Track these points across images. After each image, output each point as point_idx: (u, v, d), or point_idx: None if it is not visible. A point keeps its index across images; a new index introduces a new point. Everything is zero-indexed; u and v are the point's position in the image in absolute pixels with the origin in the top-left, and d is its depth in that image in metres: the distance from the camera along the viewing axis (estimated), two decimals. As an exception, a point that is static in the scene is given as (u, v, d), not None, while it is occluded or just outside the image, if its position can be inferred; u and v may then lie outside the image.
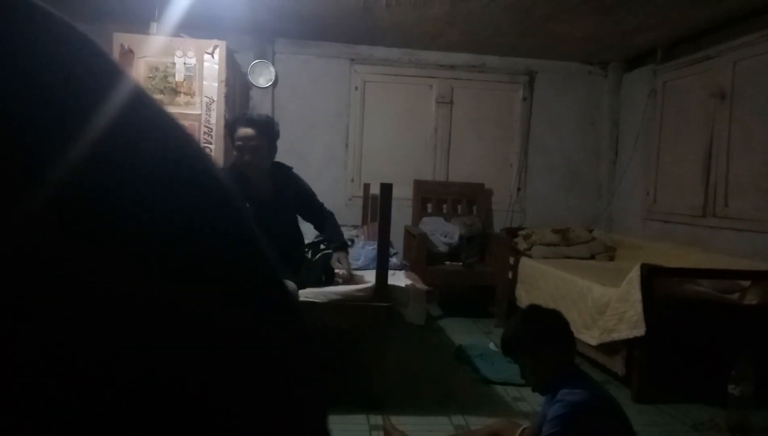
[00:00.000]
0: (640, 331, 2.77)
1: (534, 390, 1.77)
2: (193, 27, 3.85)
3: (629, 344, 2.89)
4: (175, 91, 3.58)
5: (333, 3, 3.84)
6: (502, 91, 5.26)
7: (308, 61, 4.97)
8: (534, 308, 1.86)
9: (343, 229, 4.47)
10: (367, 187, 4.72)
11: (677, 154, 4.41)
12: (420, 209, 4.99)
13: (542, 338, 1.69)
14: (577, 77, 5.31)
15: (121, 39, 3.54)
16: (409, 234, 4.62)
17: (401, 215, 4.73)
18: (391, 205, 2.61)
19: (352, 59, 5.03)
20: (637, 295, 2.82)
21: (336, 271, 2.74)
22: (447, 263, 4.51)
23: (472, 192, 5.09)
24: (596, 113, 5.35)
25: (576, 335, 3.17)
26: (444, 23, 4.22)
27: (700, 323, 2.91)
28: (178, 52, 3.57)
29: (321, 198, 2.97)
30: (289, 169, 2.84)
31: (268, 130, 2.66)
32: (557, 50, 4.91)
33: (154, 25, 3.66)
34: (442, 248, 4.49)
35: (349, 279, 2.74)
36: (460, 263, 4.46)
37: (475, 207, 5.07)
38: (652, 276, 2.85)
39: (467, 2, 3.62)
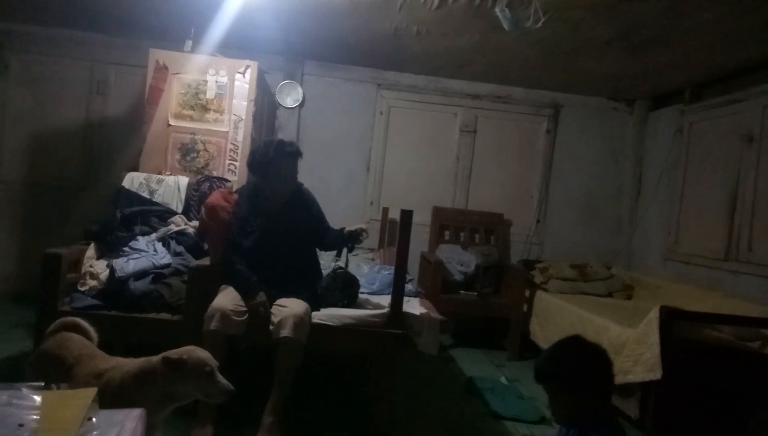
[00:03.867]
0: (656, 374, 2.71)
1: (558, 422, 1.67)
2: (226, 47, 3.95)
3: (644, 387, 2.83)
4: (205, 108, 3.65)
5: (364, 29, 3.91)
6: (526, 123, 5.27)
7: (336, 84, 5.05)
8: (579, 341, 1.70)
9: (359, 251, 4.52)
10: (386, 211, 4.74)
11: (701, 196, 4.36)
12: (437, 236, 4.98)
13: (583, 377, 1.57)
14: (602, 113, 5.30)
15: (156, 55, 3.64)
16: (425, 260, 4.61)
17: (418, 241, 4.73)
18: (411, 232, 2.62)
19: (379, 84, 5.10)
20: (654, 337, 2.77)
21: (355, 229, 2.71)
22: (462, 292, 4.48)
23: (491, 222, 5.08)
24: (620, 149, 5.33)
25: (590, 374, 3.13)
26: (472, 53, 4.27)
27: (718, 369, 2.83)
28: (211, 71, 3.66)
29: (339, 219, 2.99)
30: (300, 184, 2.87)
31: (300, 157, 2.77)
32: (583, 85, 4.93)
33: (189, 43, 3.76)
34: (458, 277, 4.47)
35: (365, 230, 2.71)
36: (475, 293, 4.43)
37: (492, 237, 5.05)
38: (671, 319, 2.80)
39: (496, 34, 3.66)
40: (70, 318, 2.00)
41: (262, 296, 2.56)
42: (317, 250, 2.97)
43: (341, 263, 2.87)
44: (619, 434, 1.56)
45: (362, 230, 2.70)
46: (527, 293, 4.40)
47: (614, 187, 5.34)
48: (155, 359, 1.72)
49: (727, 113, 4.17)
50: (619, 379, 2.92)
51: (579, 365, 1.60)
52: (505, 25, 3.09)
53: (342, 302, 2.74)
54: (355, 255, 4.31)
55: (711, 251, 4.12)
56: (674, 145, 4.71)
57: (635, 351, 2.87)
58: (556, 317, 3.96)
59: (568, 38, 3.68)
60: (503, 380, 3.58)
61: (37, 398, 1.16)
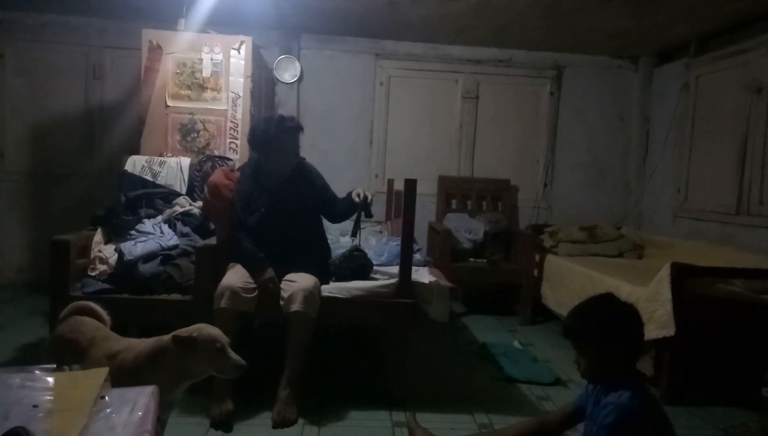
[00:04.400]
0: (669, 331, 2.71)
1: (583, 377, 1.64)
2: (219, 23, 3.89)
3: (658, 344, 2.82)
4: (202, 87, 3.61)
5: (358, -2, 3.83)
6: (529, 86, 5.18)
7: (333, 56, 4.98)
8: (612, 300, 1.65)
9: (366, 224, 4.50)
10: (391, 182, 4.71)
11: (710, 151, 4.29)
12: (444, 205, 4.95)
13: (613, 334, 1.54)
14: (606, 72, 5.20)
15: (150, 35, 3.59)
16: (432, 230, 4.59)
17: (425, 211, 4.71)
18: (416, 201, 2.60)
19: (377, 54, 5.02)
20: (667, 294, 2.75)
21: (356, 193, 2.69)
22: (471, 260, 4.47)
23: (498, 188, 5.04)
24: (626, 109, 5.24)
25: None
26: (470, 18, 4.18)
27: (732, 324, 2.83)
28: (205, 48, 3.60)
29: (344, 193, 2.96)
30: (302, 159, 2.84)
31: (301, 132, 2.74)
32: (586, 44, 4.82)
33: (182, 22, 3.70)
34: (467, 245, 4.45)
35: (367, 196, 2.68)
36: (485, 260, 4.42)
37: (500, 204, 5.02)
38: (682, 275, 2.78)
39: (494, -4, 3.57)
40: (82, 302, 2.01)
41: (270, 272, 2.56)
42: (323, 223, 2.95)
43: (357, 242, 2.84)
44: (644, 394, 1.54)
45: (365, 195, 2.67)
46: (537, 257, 4.38)
47: (621, 147, 5.27)
48: (167, 338, 1.73)
49: (734, 64, 4.07)
50: (632, 337, 2.94)
51: (609, 323, 1.57)
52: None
53: (349, 280, 2.74)
54: (363, 228, 4.30)
55: (722, 205, 4.07)
56: (680, 100, 4.62)
57: (648, 309, 2.86)
58: (566, 279, 3.95)
59: (568, -5, 3.59)
60: (516, 344, 3.60)
61: (50, 380, 1.17)
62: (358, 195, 2.67)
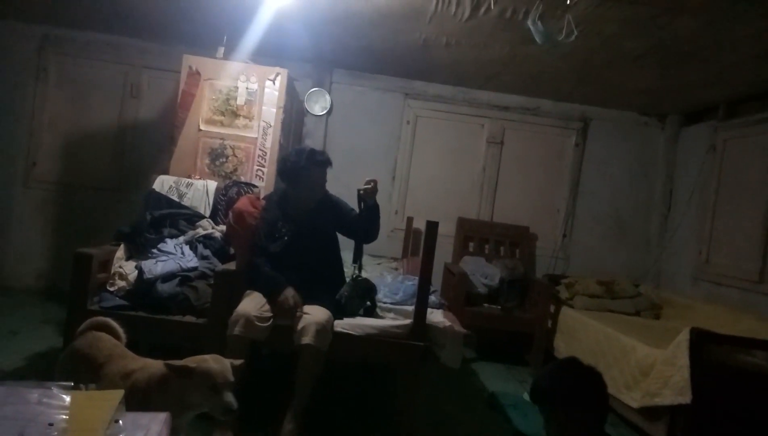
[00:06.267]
0: (686, 398, 2.64)
1: None
2: (257, 54, 4.00)
3: (673, 410, 2.75)
4: (235, 114, 3.70)
5: (392, 39, 3.92)
6: (554, 136, 5.21)
7: (364, 92, 5.07)
8: (574, 363, 1.72)
9: (382, 260, 4.50)
10: (410, 220, 4.72)
11: (734, 215, 4.24)
12: (462, 247, 4.94)
13: (577, 398, 1.59)
14: (632, 127, 5.22)
15: (190, 60, 3.70)
16: (448, 272, 4.57)
17: (442, 252, 4.67)
18: (436, 243, 2.60)
19: (407, 93, 5.11)
20: (684, 360, 2.69)
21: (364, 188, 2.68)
22: (485, 305, 4.43)
23: (517, 234, 5.02)
24: (650, 165, 5.23)
25: (616, 395, 3.06)
26: (501, 65, 4.25)
27: (751, 395, 2.75)
28: (242, 77, 3.71)
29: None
30: (327, 192, 2.87)
31: (330, 167, 2.79)
32: (614, 99, 4.86)
33: (221, 50, 3.82)
34: (482, 290, 4.42)
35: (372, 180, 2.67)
36: (499, 307, 4.38)
37: (518, 250, 5.00)
38: (702, 341, 2.72)
39: (527, 47, 3.63)
40: (101, 318, 2.03)
41: (291, 290, 2.57)
42: (342, 256, 2.96)
43: (356, 270, 2.83)
44: None
45: (370, 181, 2.66)
46: (552, 308, 4.33)
47: (644, 203, 5.24)
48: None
49: (763, 131, 4.06)
50: (646, 401, 2.87)
51: (575, 386, 1.61)
52: (537, 39, 3.06)
53: (363, 308, 2.73)
54: (379, 264, 4.30)
55: (744, 272, 4.00)
56: (707, 162, 4.61)
57: (664, 373, 2.80)
58: (581, 333, 3.88)
59: (599, 51, 3.63)
60: (526, 396, 3.52)
61: (67, 398, 1.18)
62: (366, 190, 2.65)
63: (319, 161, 2.71)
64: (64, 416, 1.12)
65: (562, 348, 4.10)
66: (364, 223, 2.78)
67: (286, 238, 2.71)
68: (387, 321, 2.70)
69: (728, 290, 4.15)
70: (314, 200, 2.77)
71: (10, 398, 1.16)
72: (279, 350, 2.93)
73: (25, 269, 4.81)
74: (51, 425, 1.09)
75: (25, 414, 1.10)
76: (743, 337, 3.07)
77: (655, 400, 2.82)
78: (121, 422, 1.16)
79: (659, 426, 2.84)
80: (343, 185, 4.55)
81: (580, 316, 4.04)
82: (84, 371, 1.74)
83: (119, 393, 1.25)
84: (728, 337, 3.00)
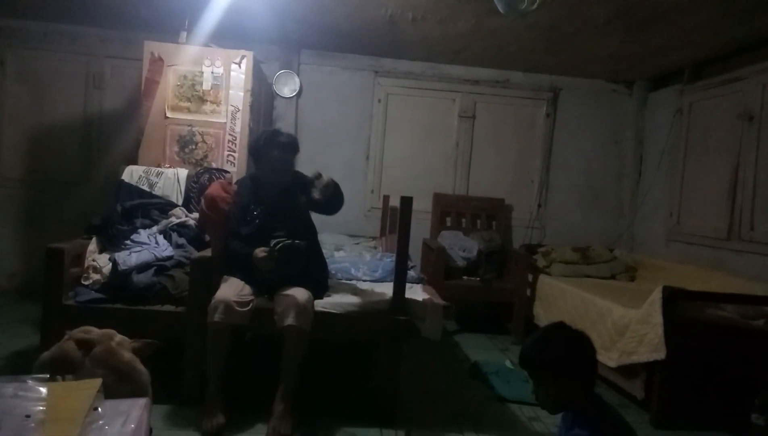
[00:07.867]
0: (660, 354, 2.72)
1: (542, 408, 1.69)
2: (221, 37, 3.93)
3: (649, 367, 2.84)
4: (202, 100, 3.64)
5: (359, 16, 3.88)
6: (525, 107, 5.24)
7: (333, 72, 5.02)
8: (562, 327, 1.72)
9: (361, 240, 4.51)
10: (386, 199, 4.73)
11: (702, 176, 4.34)
12: (439, 223, 4.98)
13: (566, 362, 1.60)
14: (601, 95, 5.27)
15: (152, 47, 3.62)
16: (427, 247, 4.61)
17: (420, 228, 4.73)
18: (411, 219, 2.61)
19: (376, 72, 5.07)
20: (658, 317, 2.77)
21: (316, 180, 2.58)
22: (465, 277, 4.48)
23: (492, 207, 5.07)
24: (620, 132, 5.30)
25: (594, 356, 3.13)
26: (469, 38, 4.24)
27: (722, 348, 2.85)
28: (206, 62, 3.64)
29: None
30: (297, 172, 2.84)
31: (295, 151, 2.77)
32: (582, 68, 4.89)
33: (183, 35, 3.74)
34: (460, 263, 4.47)
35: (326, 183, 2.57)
36: (478, 279, 4.43)
37: (494, 222, 5.05)
38: (674, 299, 2.80)
39: (493, 18, 3.63)
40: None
41: (257, 249, 2.56)
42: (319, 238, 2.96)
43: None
44: (603, 416, 1.58)
45: (317, 176, 2.57)
46: (530, 277, 4.40)
47: (615, 169, 5.32)
48: None
49: (727, 92, 4.14)
50: (623, 359, 2.95)
51: (565, 351, 1.62)
52: (500, 8, 3.05)
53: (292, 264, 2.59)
54: (357, 244, 4.31)
55: (713, 230, 4.11)
56: (674, 125, 4.69)
57: (639, 332, 2.88)
58: (559, 300, 3.97)
59: (565, 20, 3.65)
60: (508, 363, 3.60)
61: (43, 390, 1.17)
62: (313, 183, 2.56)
63: (279, 143, 2.68)
64: (41, 408, 1.11)
65: (542, 315, 4.18)
66: (325, 200, 2.65)
67: (257, 221, 2.69)
68: (366, 297, 2.72)
69: (699, 248, 4.27)
70: (280, 182, 2.73)
71: (-17, 393, 1.15)
72: (262, 334, 2.94)
73: (-3, 270, 4.71)
74: (28, 417, 1.08)
75: (0, 408, 1.09)
76: (713, 292, 3.17)
77: (631, 358, 2.90)
78: (100, 409, 1.15)
79: (636, 383, 2.93)
80: (316, 166, 4.51)
81: (557, 283, 4.12)
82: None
83: (97, 382, 1.24)
84: (699, 293, 3.09)
